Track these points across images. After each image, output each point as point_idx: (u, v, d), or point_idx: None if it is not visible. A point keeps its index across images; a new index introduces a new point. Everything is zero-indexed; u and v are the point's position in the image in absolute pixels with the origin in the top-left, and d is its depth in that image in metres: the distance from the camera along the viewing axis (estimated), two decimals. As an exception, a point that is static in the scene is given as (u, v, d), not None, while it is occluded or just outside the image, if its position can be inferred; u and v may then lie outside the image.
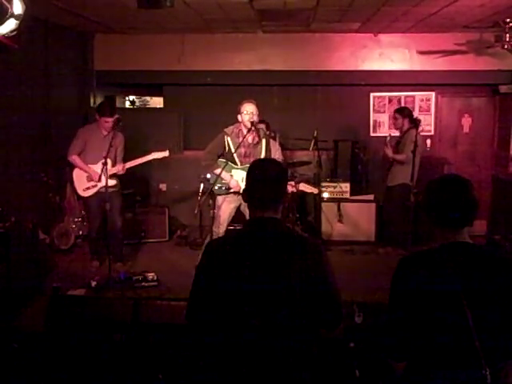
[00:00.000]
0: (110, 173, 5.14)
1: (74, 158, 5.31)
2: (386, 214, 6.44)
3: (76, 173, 5.38)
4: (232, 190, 4.82)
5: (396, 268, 1.95)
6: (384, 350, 2.02)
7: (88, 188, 5.29)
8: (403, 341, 1.91)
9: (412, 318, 1.86)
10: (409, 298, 1.87)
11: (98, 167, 5.16)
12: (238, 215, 5.01)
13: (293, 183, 4.71)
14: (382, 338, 2.00)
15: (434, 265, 1.86)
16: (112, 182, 5.26)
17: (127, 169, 5.35)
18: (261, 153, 4.85)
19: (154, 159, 5.34)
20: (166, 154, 5.30)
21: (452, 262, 1.83)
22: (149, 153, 5.30)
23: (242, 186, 4.61)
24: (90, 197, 5.37)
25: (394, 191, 6.15)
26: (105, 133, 5.27)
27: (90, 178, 5.30)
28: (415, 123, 5.89)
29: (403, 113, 6.24)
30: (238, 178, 4.80)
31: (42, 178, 6.01)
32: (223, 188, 4.83)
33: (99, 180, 5.13)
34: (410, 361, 1.93)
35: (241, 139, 4.74)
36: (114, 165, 5.29)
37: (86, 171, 5.28)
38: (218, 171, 4.74)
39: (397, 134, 6.47)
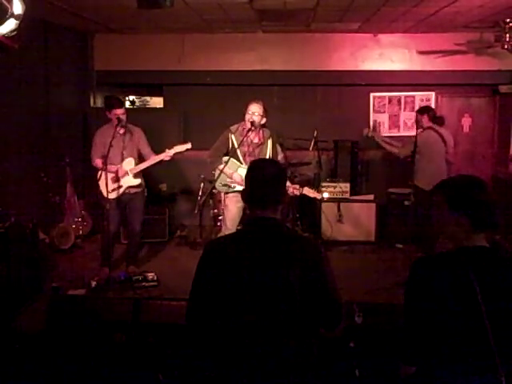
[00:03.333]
0: (143, 166, 5.10)
1: (97, 163, 5.12)
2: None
3: (100, 175, 5.10)
4: (237, 189, 4.80)
5: (411, 269, 1.91)
6: (398, 351, 1.99)
7: (113, 190, 5.07)
8: (418, 342, 1.88)
9: (428, 319, 1.83)
10: (425, 300, 1.84)
11: (122, 166, 5.04)
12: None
13: (297, 186, 4.67)
14: (398, 339, 1.97)
15: (451, 268, 1.82)
16: (136, 182, 5.15)
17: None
18: (265, 153, 4.82)
19: (177, 153, 5.07)
20: (188, 145, 5.04)
21: (470, 267, 1.80)
22: (170, 148, 5.05)
23: None
24: (112, 199, 5.09)
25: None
26: (121, 131, 5.09)
27: (114, 179, 5.08)
28: (435, 121, 5.80)
29: (421, 112, 5.91)
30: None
31: (42, 178, 6.01)
32: (228, 186, 4.81)
33: (124, 175, 5.04)
34: (423, 363, 1.90)
35: (244, 138, 4.73)
36: (137, 162, 5.15)
37: (110, 172, 5.02)
38: (221, 167, 4.74)
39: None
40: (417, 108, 7.67)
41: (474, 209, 1.87)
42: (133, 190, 5.20)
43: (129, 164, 5.11)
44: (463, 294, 1.78)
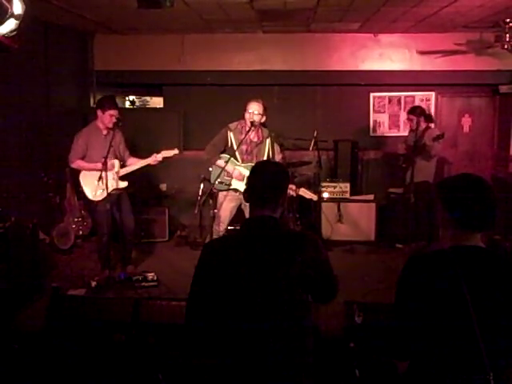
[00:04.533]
0: (131, 169, 5.08)
1: (78, 163, 5.02)
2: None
3: (83, 177, 5.07)
4: (232, 187, 4.83)
5: (404, 266, 1.92)
6: (388, 347, 2.00)
7: (101, 190, 4.94)
8: (408, 339, 1.88)
9: (417, 317, 1.84)
10: (415, 297, 1.84)
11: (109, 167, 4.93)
12: (238, 215, 5.01)
13: (293, 187, 4.68)
14: (387, 335, 1.97)
15: (442, 267, 1.83)
16: (124, 184, 5.13)
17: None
18: (264, 152, 4.85)
19: (164, 158, 5.07)
20: (176, 151, 5.07)
21: (461, 266, 1.80)
22: (158, 151, 5.06)
23: (244, 181, 4.61)
24: (100, 201, 5.01)
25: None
26: (105, 132, 5.05)
27: (99, 179, 4.85)
28: (431, 120, 5.95)
29: (415, 112, 5.99)
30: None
31: (42, 178, 6.01)
32: (224, 184, 4.82)
33: (114, 167, 4.98)
34: (413, 361, 1.91)
35: (243, 136, 4.74)
36: (123, 165, 5.13)
37: (95, 169, 4.83)
38: (220, 163, 4.74)
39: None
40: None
41: (461, 211, 1.88)
42: (118, 191, 5.14)
43: (115, 166, 5.06)
44: (451, 293, 1.79)
